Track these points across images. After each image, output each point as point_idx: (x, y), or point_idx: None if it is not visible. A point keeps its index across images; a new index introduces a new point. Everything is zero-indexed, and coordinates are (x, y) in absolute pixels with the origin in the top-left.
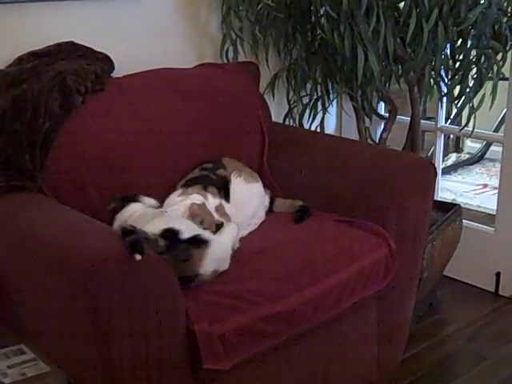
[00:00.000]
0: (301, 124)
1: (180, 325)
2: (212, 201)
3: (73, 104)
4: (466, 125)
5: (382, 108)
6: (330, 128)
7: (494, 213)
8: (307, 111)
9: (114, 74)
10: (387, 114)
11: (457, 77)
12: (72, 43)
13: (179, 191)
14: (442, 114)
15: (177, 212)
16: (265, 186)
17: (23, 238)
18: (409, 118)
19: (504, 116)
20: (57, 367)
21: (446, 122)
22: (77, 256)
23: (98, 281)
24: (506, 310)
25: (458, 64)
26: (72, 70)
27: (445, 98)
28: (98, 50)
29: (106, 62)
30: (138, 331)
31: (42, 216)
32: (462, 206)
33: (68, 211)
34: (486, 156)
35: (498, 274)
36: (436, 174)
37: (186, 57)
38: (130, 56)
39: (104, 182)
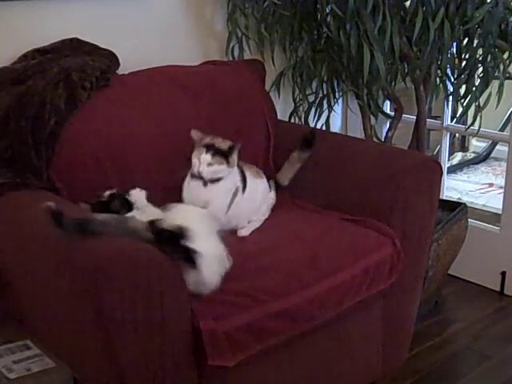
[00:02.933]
0: (306, 122)
1: (185, 321)
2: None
3: (78, 100)
4: (472, 124)
5: (387, 106)
6: (336, 126)
7: (500, 212)
8: (313, 109)
9: (120, 71)
10: (393, 113)
11: (463, 76)
12: (77, 40)
13: None
14: (448, 112)
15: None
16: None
17: (28, 234)
18: (414, 117)
19: (510, 115)
20: (62, 363)
21: (451, 121)
22: (82, 254)
23: (102, 279)
24: (511, 309)
25: (464, 63)
26: (77, 66)
27: (451, 97)
28: (103, 47)
29: (111, 58)
30: (143, 328)
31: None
32: (468, 205)
33: (73, 208)
34: (492, 155)
35: (503, 274)
36: (442, 173)
37: (192, 54)
38: (135, 53)
39: (110, 176)
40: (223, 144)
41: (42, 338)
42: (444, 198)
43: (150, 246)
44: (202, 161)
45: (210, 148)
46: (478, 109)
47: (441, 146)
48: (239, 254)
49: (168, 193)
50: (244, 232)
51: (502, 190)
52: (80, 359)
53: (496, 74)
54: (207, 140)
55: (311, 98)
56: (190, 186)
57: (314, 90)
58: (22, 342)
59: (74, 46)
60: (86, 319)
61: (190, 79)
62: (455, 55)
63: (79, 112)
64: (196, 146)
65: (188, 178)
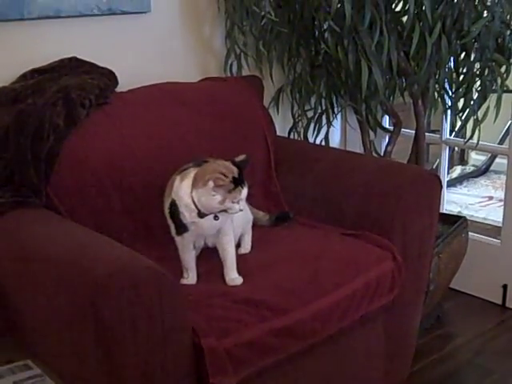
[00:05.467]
0: (306, 138)
1: (186, 339)
2: None
3: (77, 117)
4: (471, 137)
5: (386, 121)
6: (335, 141)
7: (500, 225)
8: (312, 125)
9: (118, 89)
10: (392, 127)
11: (461, 90)
12: (75, 59)
13: (178, 178)
14: (447, 126)
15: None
16: (270, 198)
17: (28, 253)
18: (413, 131)
19: (509, 128)
20: (63, 383)
21: (450, 135)
22: (82, 271)
23: (103, 296)
24: None
25: (461, 77)
26: (76, 85)
27: (449, 111)
28: (102, 65)
29: (109, 76)
30: (143, 346)
31: (47, 232)
32: (468, 218)
33: (73, 226)
34: (491, 168)
35: (504, 287)
36: (441, 187)
37: (191, 71)
38: (134, 71)
39: (110, 194)
40: (231, 167)
41: (43, 357)
42: (444, 211)
43: (150, 262)
44: (243, 196)
45: (238, 180)
46: (477, 122)
47: (440, 160)
48: (240, 271)
49: None
50: (244, 250)
51: (501, 203)
52: (81, 378)
53: (494, 88)
54: (216, 174)
55: (310, 114)
56: (203, 224)
57: (313, 106)
58: (22, 362)
59: (72, 65)
60: (86, 338)
61: (190, 95)
62: (453, 69)
63: (78, 130)
64: (217, 187)
65: (190, 219)
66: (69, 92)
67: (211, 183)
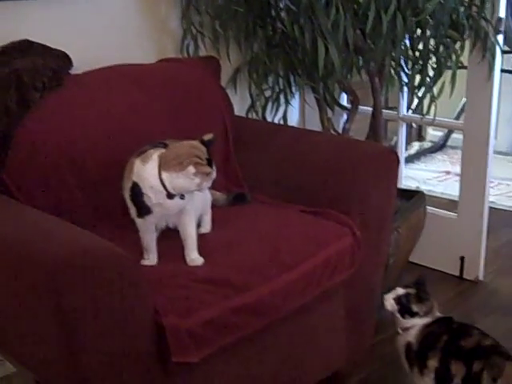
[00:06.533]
0: (264, 117)
1: (147, 319)
2: None
3: (30, 100)
4: (427, 113)
5: (344, 99)
6: (293, 120)
7: (457, 199)
8: (270, 104)
9: (73, 72)
10: (349, 105)
11: (417, 66)
12: (27, 41)
13: (138, 161)
14: (404, 103)
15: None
16: (230, 178)
17: None
18: (371, 108)
19: (464, 104)
20: (24, 368)
21: (407, 112)
22: (39, 255)
23: (62, 279)
24: (470, 293)
25: (417, 54)
26: (28, 67)
27: (406, 88)
28: (55, 47)
29: (63, 58)
30: (104, 328)
31: (4, 216)
32: (426, 193)
33: (30, 211)
34: (448, 144)
35: (462, 258)
36: (398, 162)
37: (147, 53)
38: (88, 53)
39: (67, 177)
40: (199, 146)
41: (2, 342)
42: (403, 187)
43: (110, 243)
44: (214, 176)
45: (209, 161)
46: (433, 98)
47: (398, 137)
48: (200, 250)
49: None
50: (204, 229)
51: (458, 178)
52: (42, 362)
53: (449, 64)
54: (194, 158)
55: (268, 93)
56: (169, 204)
57: (271, 85)
58: None
59: (24, 47)
60: (46, 320)
61: (146, 77)
62: (408, 46)
63: (33, 113)
64: (190, 165)
65: (155, 200)
66: (20, 75)
67: (192, 168)
